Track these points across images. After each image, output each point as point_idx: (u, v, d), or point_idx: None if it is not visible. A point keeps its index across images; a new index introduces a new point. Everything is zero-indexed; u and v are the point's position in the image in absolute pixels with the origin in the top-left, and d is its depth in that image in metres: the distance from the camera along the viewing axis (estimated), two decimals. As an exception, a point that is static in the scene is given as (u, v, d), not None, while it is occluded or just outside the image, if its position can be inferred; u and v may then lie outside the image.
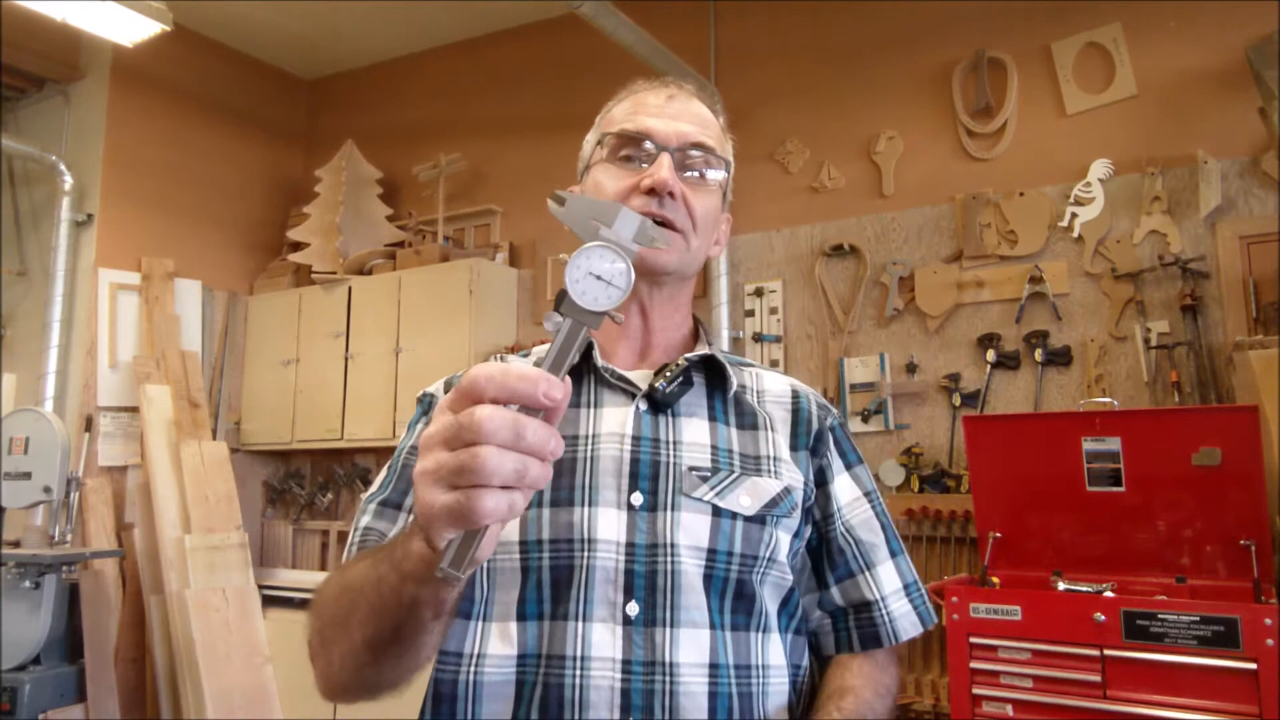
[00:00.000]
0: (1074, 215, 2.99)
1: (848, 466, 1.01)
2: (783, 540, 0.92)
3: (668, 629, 0.84)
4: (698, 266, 1.02)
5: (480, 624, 0.87)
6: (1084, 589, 2.23)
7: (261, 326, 4.37)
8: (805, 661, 0.96)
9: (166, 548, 3.50)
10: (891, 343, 3.25)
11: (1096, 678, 2.07)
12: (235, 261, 4.45)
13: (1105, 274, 2.94)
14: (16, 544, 3.37)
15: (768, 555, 0.90)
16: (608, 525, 0.86)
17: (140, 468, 3.75)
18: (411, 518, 0.80)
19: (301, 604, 3.67)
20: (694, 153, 0.97)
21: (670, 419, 0.93)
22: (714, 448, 0.93)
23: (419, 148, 4.31)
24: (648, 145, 0.96)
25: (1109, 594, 2.17)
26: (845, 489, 1.00)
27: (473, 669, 0.86)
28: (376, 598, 0.73)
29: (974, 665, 2.22)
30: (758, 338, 3.47)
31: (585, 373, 0.96)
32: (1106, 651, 2.07)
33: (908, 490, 3.08)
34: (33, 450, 3.30)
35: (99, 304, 3.84)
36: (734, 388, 0.99)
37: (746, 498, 0.90)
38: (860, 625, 0.96)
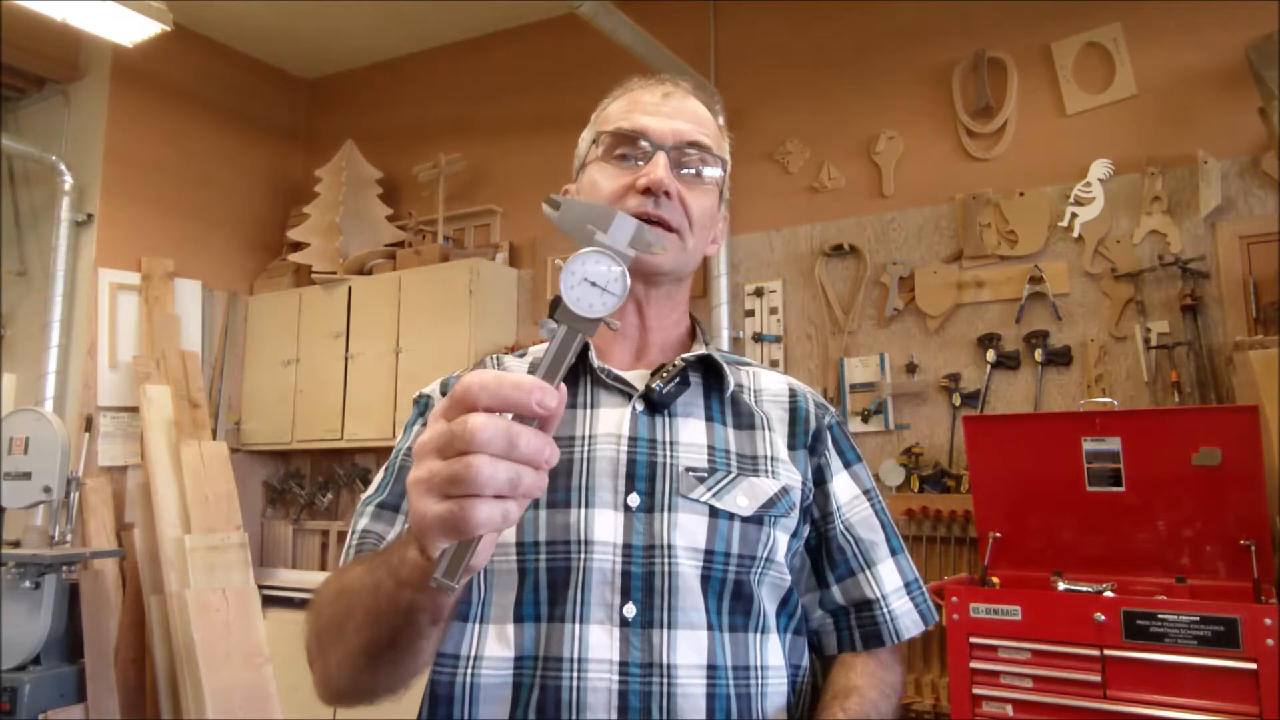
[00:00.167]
0: (1074, 215, 2.98)
1: (846, 465, 1.01)
2: (780, 540, 0.91)
3: (665, 630, 0.84)
4: (694, 265, 1.02)
5: (477, 626, 0.87)
6: (1084, 589, 2.23)
7: (261, 326, 4.37)
8: (805, 662, 0.95)
9: (166, 548, 3.50)
10: (891, 343, 3.25)
11: (1096, 678, 2.07)
12: (235, 261, 4.45)
13: (1105, 274, 2.93)
14: (16, 544, 3.37)
15: (765, 556, 0.90)
16: (604, 527, 0.86)
17: (140, 468, 3.75)
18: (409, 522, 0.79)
19: (301, 604, 3.66)
20: (690, 151, 0.96)
21: (667, 419, 0.93)
22: (711, 448, 0.93)
23: (419, 148, 4.31)
24: (643, 144, 0.95)
25: (1109, 594, 2.17)
26: (844, 487, 0.99)
27: (470, 671, 0.85)
28: (373, 604, 0.72)
29: (974, 665, 2.22)
30: (758, 338, 3.47)
31: (581, 373, 0.96)
32: (1106, 651, 2.07)
33: (908, 490, 3.08)
34: (33, 450, 3.30)
35: (99, 304, 3.84)
36: (731, 388, 0.98)
37: (744, 498, 0.90)
38: (862, 624, 0.96)
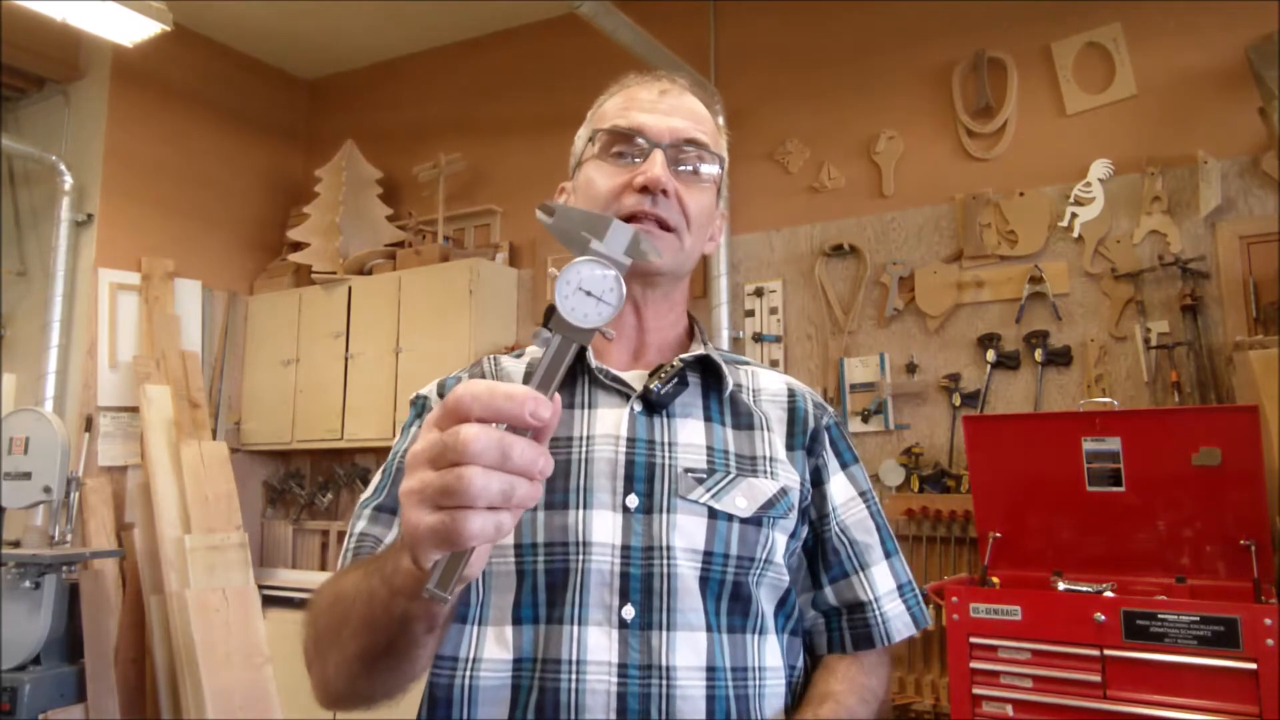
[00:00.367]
0: (1074, 215, 2.98)
1: (843, 466, 1.01)
2: (779, 541, 0.91)
3: (664, 632, 0.84)
4: (692, 264, 1.01)
5: (476, 628, 0.86)
6: (1084, 589, 2.23)
7: (261, 326, 4.37)
8: (801, 662, 0.95)
9: (166, 548, 3.50)
10: (891, 343, 3.25)
11: (1096, 678, 2.07)
12: (235, 261, 4.45)
13: (1105, 274, 2.93)
14: (16, 544, 3.37)
15: (764, 557, 0.89)
16: (603, 528, 0.86)
17: (140, 468, 3.75)
18: None
19: (301, 604, 3.65)
20: (687, 148, 0.95)
21: (665, 420, 0.93)
22: (710, 449, 0.92)
23: (419, 148, 4.31)
24: (640, 141, 0.94)
25: (1109, 594, 2.17)
26: (841, 489, 0.99)
27: (468, 673, 0.85)
28: (368, 611, 0.72)
29: (974, 665, 2.22)
30: (758, 338, 3.47)
31: (579, 374, 0.95)
32: (1106, 651, 2.07)
33: (908, 490, 3.08)
34: (33, 450, 3.30)
35: (99, 304, 3.84)
36: (729, 387, 0.98)
37: (742, 499, 0.89)
38: (853, 626, 0.96)
